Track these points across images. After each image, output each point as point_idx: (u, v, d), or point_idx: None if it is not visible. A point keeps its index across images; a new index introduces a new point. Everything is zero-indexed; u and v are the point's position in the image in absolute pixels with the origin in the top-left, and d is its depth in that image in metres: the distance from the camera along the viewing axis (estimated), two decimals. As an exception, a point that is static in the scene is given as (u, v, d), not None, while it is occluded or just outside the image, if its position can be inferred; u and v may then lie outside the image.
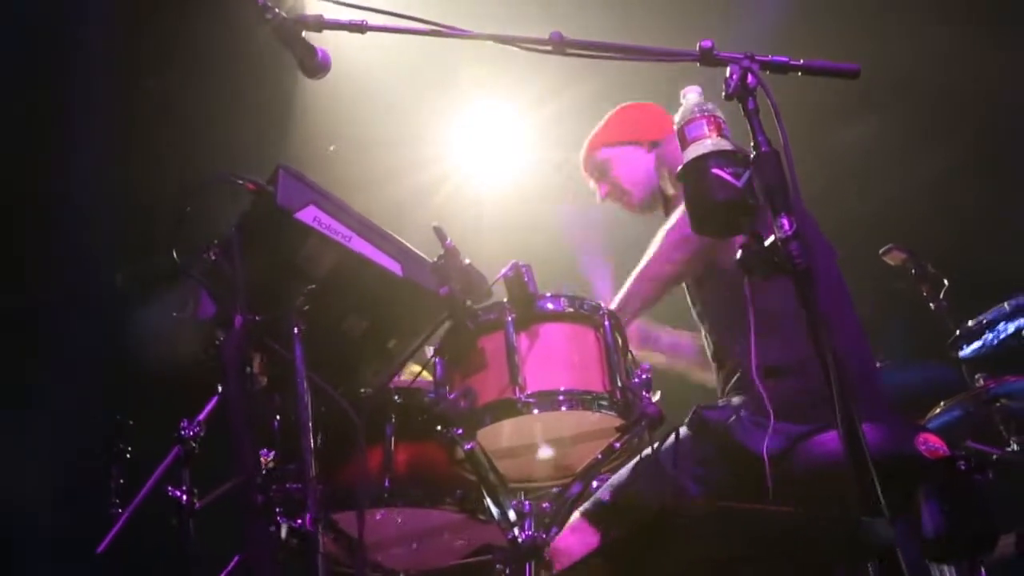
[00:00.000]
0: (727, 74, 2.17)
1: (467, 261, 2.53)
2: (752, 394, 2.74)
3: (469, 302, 2.50)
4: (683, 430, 2.73)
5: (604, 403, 2.44)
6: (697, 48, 2.26)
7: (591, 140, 3.46)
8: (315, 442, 2.48)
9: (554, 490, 2.73)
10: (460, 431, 2.41)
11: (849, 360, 2.19)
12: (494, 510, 2.50)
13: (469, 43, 5.58)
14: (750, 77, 2.16)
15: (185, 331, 3.24)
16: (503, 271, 2.48)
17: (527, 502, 2.47)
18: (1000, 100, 5.51)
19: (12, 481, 4.58)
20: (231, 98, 5.79)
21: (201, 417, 3.28)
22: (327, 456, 2.64)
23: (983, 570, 2.64)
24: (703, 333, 3.07)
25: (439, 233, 2.54)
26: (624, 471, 2.73)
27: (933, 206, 5.80)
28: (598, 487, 2.74)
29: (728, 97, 2.17)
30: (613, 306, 2.80)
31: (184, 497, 3.12)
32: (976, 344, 4.45)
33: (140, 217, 5.40)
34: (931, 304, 4.69)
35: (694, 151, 2.15)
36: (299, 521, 2.40)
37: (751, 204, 2.07)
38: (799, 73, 2.26)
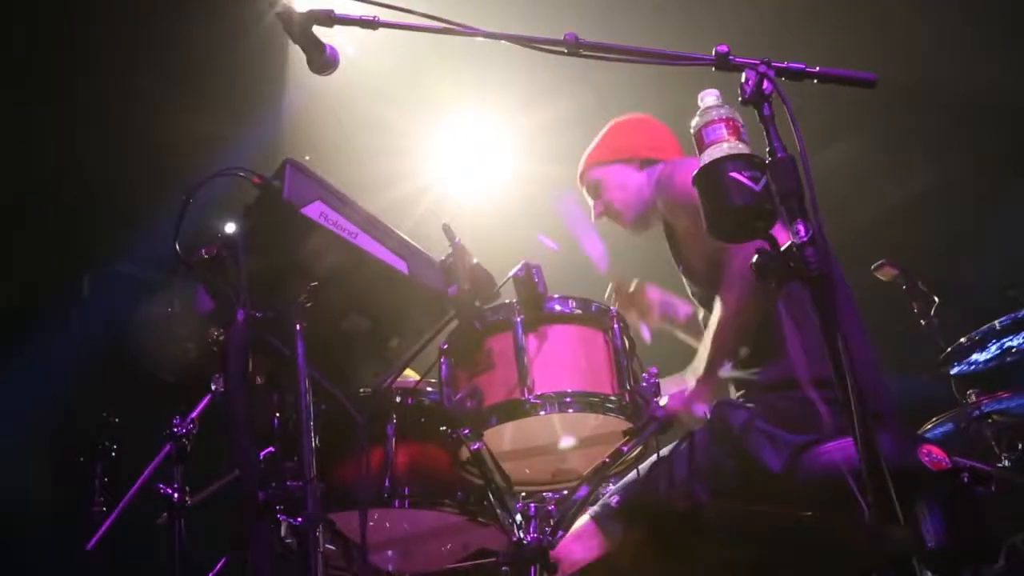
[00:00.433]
0: (743, 79, 2.16)
1: (475, 260, 2.51)
2: (765, 403, 2.76)
3: (477, 302, 2.47)
4: (694, 434, 2.72)
5: (613, 406, 2.43)
6: (713, 52, 2.25)
7: (585, 158, 3.44)
8: (315, 441, 2.46)
9: (552, 494, 2.72)
10: (467, 431, 2.38)
11: (860, 368, 2.19)
12: (499, 512, 2.48)
13: (449, 51, 5.57)
14: (766, 83, 2.14)
15: (177, 326, 3.21)
16: (514, 270, 2.47)
17: (532, 505, 2.45)
18: (991, 113, 5.58)
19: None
20: (210, 99, 5.78)
21: (194, 414, 3.25)
22: (326, 455, 2.61)
23: (982, 581, 2.65)
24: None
25: (448, 232, 2.53)
26: (633, 475, 2.71)
27: (920, 222, 5.86)
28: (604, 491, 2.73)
29: (744, 102, 2.16)
30: (701, 372, 2.78)
31: (176, 495, 3.09)
32: (967, 361, 4.49)
33: (126, 213, 5.38)
34: (922, 320, 4.72)
35: (711, 154, 2.14)
36: (299, 520, 2.37)
37: (768, 209, 2.06)
38: (814, 80, 2.26)
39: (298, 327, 2.52)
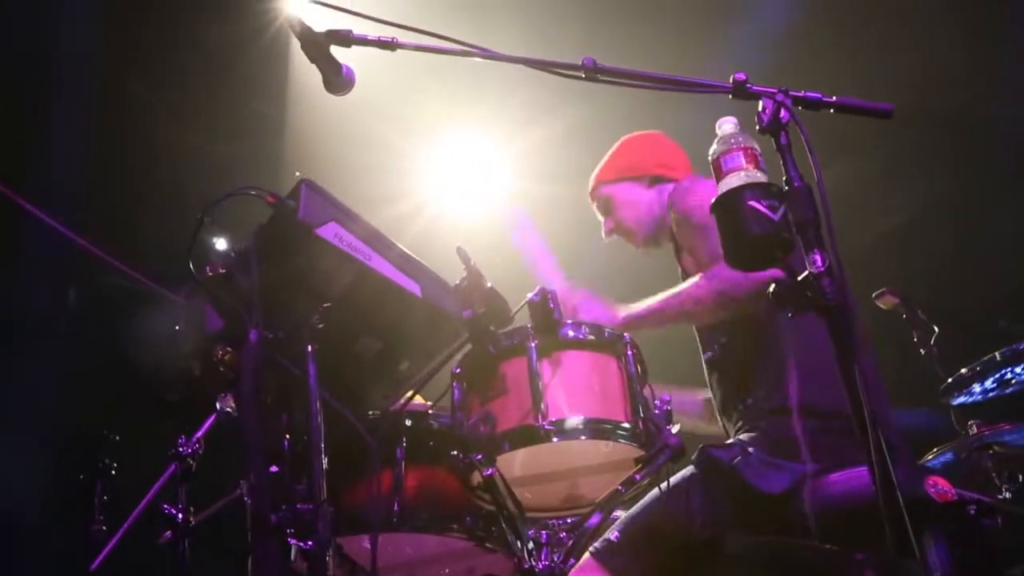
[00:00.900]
0: (759, 108, 2.17)
1: (489, 284, 2.51)
2: (763, 431, 2.76)
3: (491, 326, 2.47)
4: (690, 468, 2.73)
5: (625, 433, 2.43)
6: (731, 80, 2.26)
7: (595, 175, 3.46)
8: (325, 463, 2.45)
9: (561, 520, 2.71)
10: (480, 457, 2.38)
11: (874, 398, 2.19)
12: (510, 539, 2.47)
13: (444, 73, 5.58)
14: (783, 112, 2.15)
15: (183, 344, 3.20)
16: (530, 295, 2.47)
17: (544, 532, 2.44)
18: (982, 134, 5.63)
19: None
20: (210, 113, 5.79)
21: (199, 434, 3.24)
22: (335, 477, 2.59)
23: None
24: (711, 382, 3.05)
25: (462, 255, 2.53)
26: (633, 510, 2.72)
27: (915, 246, 5.89)
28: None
29: (762, 131, 2.17)
30: (635, 312, 2.82)
31: (180, 515, 3.08)
32: (968, 391, 4.50)
33: (122, 225, 5.37)
34: (921, 350, 4.74)
35: (729, 182, 2.15)
36: (309, 543, 2.35)
37: (786, 238, 2.07)
38: (831, 110, 2.27)
39: (310, 349, 2.51)
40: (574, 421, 2.41)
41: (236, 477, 3.51)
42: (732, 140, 2.20)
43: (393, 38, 2.41)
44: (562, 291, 3.17)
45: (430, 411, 2.88)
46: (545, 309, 2.45)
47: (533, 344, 2.46)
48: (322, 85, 2.52)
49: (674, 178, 3.27)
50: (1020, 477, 4.24)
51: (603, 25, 5.59)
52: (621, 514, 2.78)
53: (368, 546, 2.68)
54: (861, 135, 5.19)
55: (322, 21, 2.49)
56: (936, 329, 4.72)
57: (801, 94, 2.21)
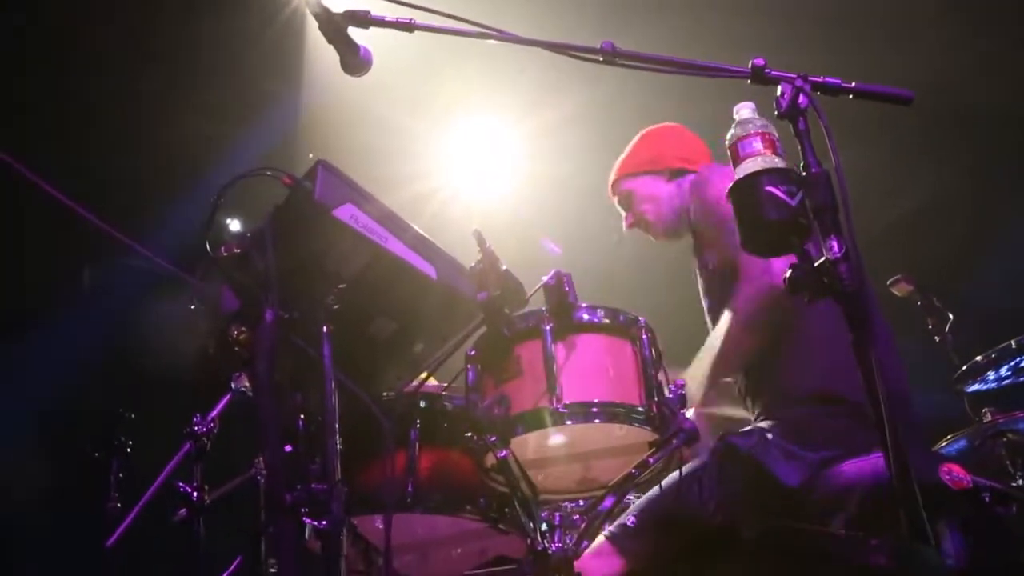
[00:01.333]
0: (778, 93, 2.16)
1: (504, 267, 2.52)
2: (782, 419, 2.76)
3: (506, 309, 2.48)
4: (707, 454, 2.73)
5: (640, 417, 2.43)
6: (749, 65, 2.25)
7: (615, 169, 3.46)
8: (339, 443, 2.46)
9: (574, 503, 2.72)
10: (494, 439, 2.39)
11: (892, 385, 2.19)
12: (523, 520, 2.48)
13: (458, 54, 5.57)
14: (802, 97, 2.15)
15: (198, 324, 3.21)
16: (545, 279, 2.47)
17: (558, 514, 2.46)
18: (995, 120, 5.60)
19: (8, 473, 4.53)
20: (222, 100, 5.80)
21: (214, 413, 3.27)
22: (348, 458, 2.61)
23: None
24: None
25: (478, 238, 2.53)
26: (650, 494, 2.72)
27: (929, 233, 5.87)
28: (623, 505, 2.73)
29: (780, 116, 2.17)
30: (696, 395, 2.83)
31: (194, 493, 3.10)
32: (983, 379, 4.50)
33: (138, 207, 5.39)
34: (936, 337, 4.73)
35: (747, 168, 2.15)
36: (323, 522, 2.37)
37: (803, 224, 2.07)
38: (850, 96, 2.26)
39: (325, 330, 2.52)
40: (588, 404, 2.42)
41: (250, 456, 3.55)
42: (750, 125, 2.20)
43: (411, 19, 2.41)
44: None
45: (444, 392, 2.88)
46: (560, 292, 2.46)
47: (548, 327, 2.47)
48: (338, 66, 2.52)
49: (694, 171, 3.27)
50: (1034, 465, 4.25)
51: (618, 11, 5.57)
52: (634, 497, 2.79)
53: (381, 526, 2.70)
54: (873, 122, 5.18)
55: (340, 1, 2.50)
56: (951, 316, 4.72)
57: (820, 79, 2.21)
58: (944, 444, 4.28)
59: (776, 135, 2.20)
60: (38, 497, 4.66)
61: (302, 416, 2.66)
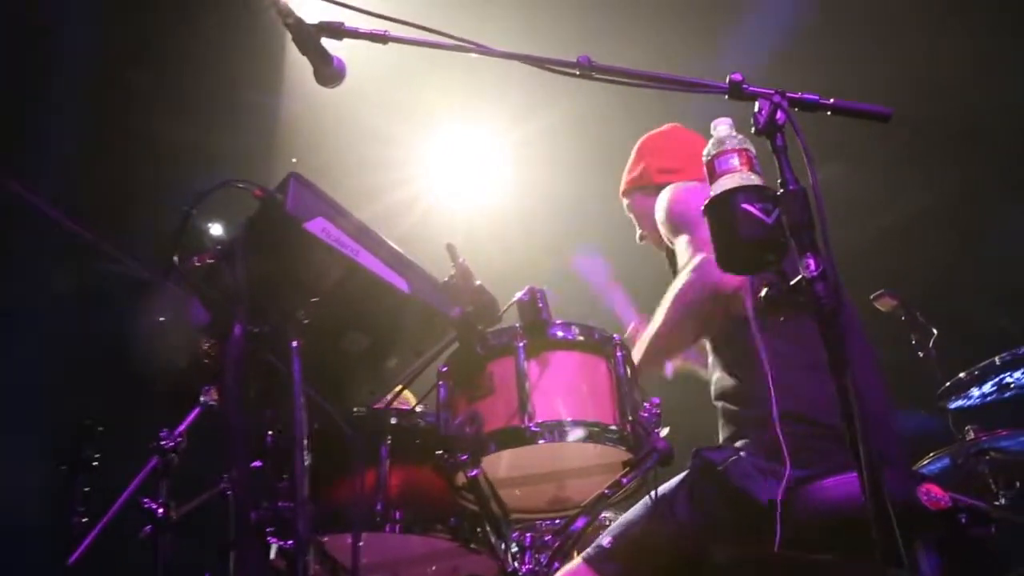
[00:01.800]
0: (755, 109, 2.18)
1: (478, 282, 2.52)
2: (756, 438, 2.76)
3: (480, 326, 2.48)
4: (683, 473, 2.73)
5: (613, 436, 2.43)
6: (727, 81, 2.26)
7: (621, 184, 3.54)
8: (308, 460, 2.45)
9: (546, 523, 2.72)
10: (465, 457, 2.38)
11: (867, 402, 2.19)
12: (495, 541, 2.47)
13: (441, 62, 5.59)
14: (779, 114, 2.16)
15: (168, 336, 3.20)
16: (518, 295, 2.47)
17: (529, 535, 2.45)
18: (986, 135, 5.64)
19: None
20: (205, 102, 5.78)
21: (182, 428, 3.25)
22: (318, 475, 2.60)
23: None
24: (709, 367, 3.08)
25: (452, 251, 2.53)
26: (627, 516, 2.72)
27: (910, 249, 5.90)
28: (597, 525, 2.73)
29: (758, 133, 2.18)
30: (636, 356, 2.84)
31: (160, 510, 3.08)
32: (966, 395, 4.52)
33: (113, 215, 5.37)
34: (920, 352, 4.75)
35: (723, 184, 2.15)
36: (290, 541, 2.36)
37: (780, 242, 2.07)
38: (828, 112, 2.27)
39: (295, 344, 2.52)
40: (561, 423, 2.41)
41: (219, 471, 3.52)
42: (727, 142, 2.21)
43: (385, 31, 2.42)
44: (635, 328, 3.24)
45: (417, 409, 2.88)
46: (534, 308, 2.46)
47: (521, 344, 2.46)
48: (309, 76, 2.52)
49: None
50: (1017, 483, 4.26)
51: (598, 21, 5.59)
52: (609, 516, 2.79)
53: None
54: (859, 135, 5.21)
55: (314, 12, 2.50)
56: (935, 332, 4.74)
57: (798, 96, 2.22)
58: (926, 462, 4.29)
59: (753, 152, 2.21)
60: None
61: (271, 432, 2.65)
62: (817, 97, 2.26)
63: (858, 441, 1.90)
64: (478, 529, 2.70)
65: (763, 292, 2.05)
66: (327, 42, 2.50)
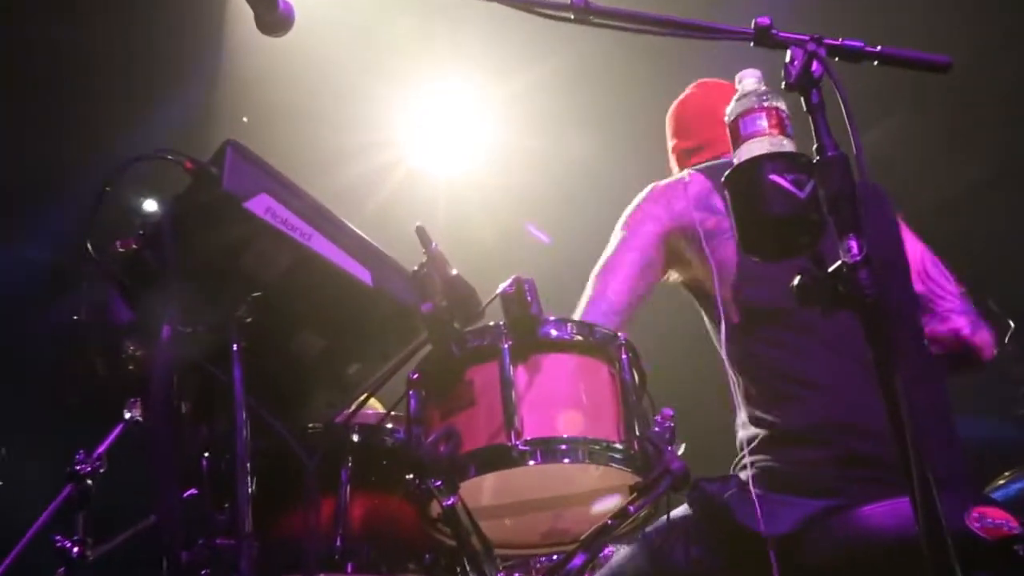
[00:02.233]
0: (787, 59, 2.17)
1: (454, 272, 2.52)
2: (763, 463, 2.79)
3: (456, 323, 2.48)
4: (682, 508, 2.75)
5: (618, 456, 2.44)
6: (752, 25, 2.26)
7: None
8: (252, 487, 2.47)
9: (541, 560, 2.73)
10: (439, 483, 2.39)
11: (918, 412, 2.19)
12: (475, 582, 2.48)
13: (421, 13, 5.60)
14: (815, 64, 2.15)
15: (84, 338, 3.21)
16: (502, 287, 2.47)
17: (517, 573, 2.46)
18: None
19: None
20: (139, 53, 5.78)
21: (101, 449, 3.26)
22: (265, 505, 2.62)
23: None
24: None
25: (422, 235, 2.53)
26: (621, 554, 2.74)
27: (964, 223, 5.91)
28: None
29: (789, 88, 2.18)
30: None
31: (75, 548, 3.10)
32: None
33: (20, 189, 5.37)
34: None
35: (749, 150, 2.16)
36: (230, 585, 2.38)
37: (815, 220, 2.08)
38: (874, 62, 2.27)
39: (236, 347, 2.53)
40: (555, 440, 2.42)
41: (146, 501, 3.53)
42: (754, 99, 2.21)
43: (340, -33, 2.42)
44: None
45: (385, 424, 2.88)
46: (521, 303, 2.45)
47: (506, 345, 2.46)
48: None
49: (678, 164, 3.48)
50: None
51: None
52: (615, 551, 2.80)
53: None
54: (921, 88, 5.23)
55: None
56: (1011, 324, 4.74)
57: (838, 42, 2.22)
58: (1001, 483, 4.29)
59: (786, 112, 2.21)
60: None
61: (207, 453, 2.67)
62: (861, 44, 2.25)
63: (909, 458, 1.90)
64: (457, 568, 2.71)
65: (796, 281, 2.05)
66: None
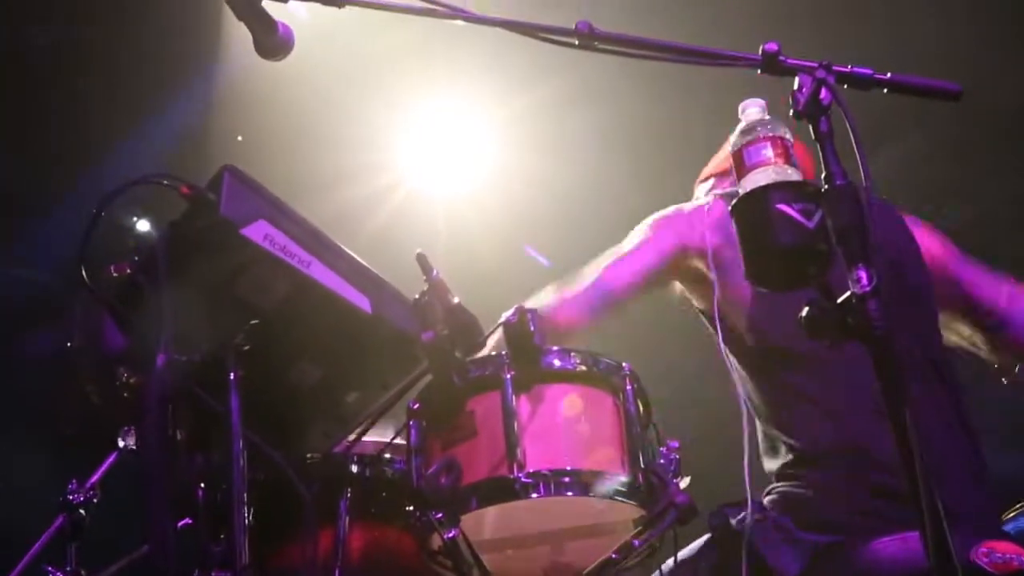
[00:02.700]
0: (795, 86, 2.19)
1: (456, 300, 2.53)
2: (780, 492, 2.81)
3: (457, 352, 2.49)
4: (704, 537, 2.76)
5: (622, 488, 2.44)
6: (760, 51, 2.27)
7: None
8: (249, 518, 2.47)
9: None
10: (440, 515, 2.39)
11: (932, 442, 2.19)
12: (476, 618, 2.48)
13: (416, 29, 5.63)
14: (824, 91, 2.17)
15: (77, 365, 3.21)
16: (505, 316, 2.49)
17: (519, 611, 2.47)
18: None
19: None
20: (135, 73, 5.80)
21: (95, 479, 3.26)
22: (262, 537, 2.62)
23: None
24: None
25: (423, 263, 2.54)
26: None
27: (995, 246, 5.92)
28: None
29: (797, 116, 2.19)
30: None
31: (67, 581, 3.10)
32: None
33: (24, 214, 5.39)
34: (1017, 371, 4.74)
35: (754, 180, 2.17)
36: (225, 620, 2.38)
37: (823, 250, 2.09)
38: (884, 90, 2.29)
39: (232, 376, 2.53)
40: (558, 473, 2.42)
41: (140, 532, 3.53)
42: (758, 128, 2.23)
43: (342, -9, 2.44)
44: None
45: (385, 454, 2.89)
46: (524, 333, 2.46)
47: (509, 376, 2.47)
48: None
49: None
50: None
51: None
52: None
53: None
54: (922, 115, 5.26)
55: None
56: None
57: (847, 69, 2.23)
58: (1011, 516, 4.27)
59: (791, 141, 2.23)
60: None
61: (203, 484, 2.67)
62: (871, 71, 2.26)
63: (918, 491, 1.91)
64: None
65: (804, 312, 2.06)
66: (270, 5, 2.51)
